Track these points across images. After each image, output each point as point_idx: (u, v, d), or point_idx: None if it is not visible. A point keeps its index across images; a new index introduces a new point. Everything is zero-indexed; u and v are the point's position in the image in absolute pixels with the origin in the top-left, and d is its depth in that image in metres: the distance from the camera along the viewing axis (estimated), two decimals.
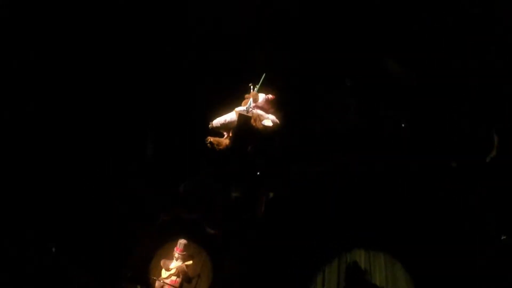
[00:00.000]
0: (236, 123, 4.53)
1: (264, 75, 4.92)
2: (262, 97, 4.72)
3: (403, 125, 5.59)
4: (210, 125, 4.58)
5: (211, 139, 4.55)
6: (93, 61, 5.35)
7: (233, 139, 4.53)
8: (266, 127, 4.45)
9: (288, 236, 6.11)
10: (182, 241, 6.18)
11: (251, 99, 4.67)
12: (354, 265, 5.79)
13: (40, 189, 5.43)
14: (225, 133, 4.65)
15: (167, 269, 5.94)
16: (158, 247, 6.19)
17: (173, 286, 5.82)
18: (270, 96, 4.75)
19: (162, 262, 6.00)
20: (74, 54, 5.34)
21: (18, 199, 5.23)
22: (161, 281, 5.83)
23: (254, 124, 4.46)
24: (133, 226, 6.04)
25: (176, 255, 6.06)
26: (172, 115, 5.89)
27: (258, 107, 4.67)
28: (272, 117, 4.60)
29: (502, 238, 5.10)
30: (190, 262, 6.09)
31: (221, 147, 4.55)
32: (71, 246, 5.40)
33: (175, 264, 6.02)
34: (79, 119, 5.65)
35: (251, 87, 4.87)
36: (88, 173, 5.83)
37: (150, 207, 6.22)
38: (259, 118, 4.49)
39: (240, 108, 4.61)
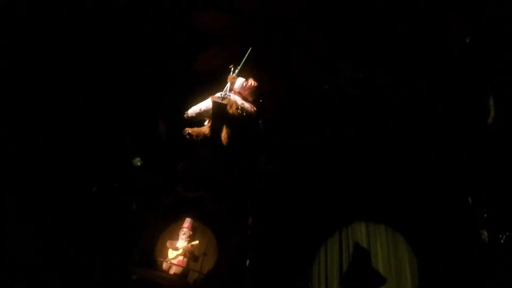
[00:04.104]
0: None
1: (248, 52, 4.65)
2: (239, 82, 4.44)
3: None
4: (185, 115, 4.39)
5: (189, 130, 4.38)
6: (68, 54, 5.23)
7: (211, 128, 4.36)
8: (240, 115, 4.16)
9: (290, 212, 6.10)
10: (188, 219, 6.39)
11: (228, 84, 4.42)
12: (355, 238, 5.72)
13: (43, 183, 5.57)
14: (206, 119, 4.47)
15: (174, 249, 6.16)
16: (163, 229, 6.37)
17: (180, 266, 6.04)
18: (250, 82, 4.45)
19: (168, 243, 6.21)
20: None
21: (22, 194, 5.39)
22: (168, 262, 6.05)
23: (230, 111, 4.19)
24: (136, 210, 6.18)
25: (183, 231, 6.24)
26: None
27: (235, 92, 4.41)
28: (246, 105, 4.24)
29: None
30: (197, 242, 6.25)
31: (201, 136, 4.39)
32: (77, 235, 5.59)
33: (181, 244, 6.21)
34: (71, 111, 5.65)
35: (232, 69, 4.61)
36: (87, 162, 5.92)
37: (151, 190, 6.33)
38: (235, 104, 4.23)
39: (216, 95, 4.34)
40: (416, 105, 5.42)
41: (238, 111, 4.07)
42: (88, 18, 4.89)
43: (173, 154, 6.25)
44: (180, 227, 6.30)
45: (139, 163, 6.25)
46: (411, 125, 5.37)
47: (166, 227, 6.34)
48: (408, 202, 5.41)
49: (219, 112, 4.24)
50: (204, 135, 4.40)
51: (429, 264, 5.08)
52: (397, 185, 5.54)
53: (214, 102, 4.23)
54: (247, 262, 6.03)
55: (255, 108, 4.33)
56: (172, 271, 6.01)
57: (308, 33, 5.45)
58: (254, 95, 4.50)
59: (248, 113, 4.18)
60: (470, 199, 4.98)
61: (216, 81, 4.81)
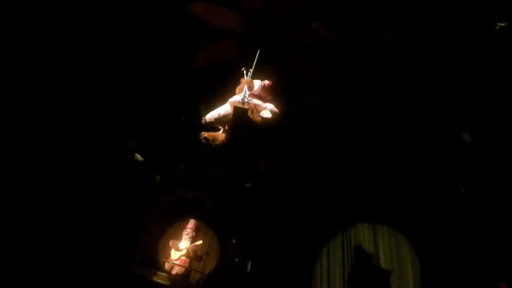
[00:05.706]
0: (231, 115, 4.21)
1: (257, 54, 4.54)
2: (257, 84, 4.30)
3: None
4: (203, 121, 4.25)
5: (206, 135, 4.25)
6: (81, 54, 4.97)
7: (229, 134, 4.26)
8: (265, 119, 4.11)
9: (293, 213, 6.13)
10: (192, 220, 6.33)
11: (245, 88, 4.30)
12: (358, 239, 5.84)
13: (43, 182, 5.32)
14: (220, 127, 4.38)
15: (177, 249, 6.08)
16: (165, 229, 6.27)
17: (182, 266, 5.97)
18: (266, 82, 4.36)
19: (171, 243, 6.13)
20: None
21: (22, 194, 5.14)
22: (171, 262, 5.97)
23: (251, 116, 4.09)
24: (138, 210, 6.01)
25: (186, 231, 6.17)
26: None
27: (254, 95, 4.30)
28: (270, 106, 4.18)
29: None
30: (201, 242, 6.19)
31: (217, 142, 4.26)
32: (79, 237, 5.41)
33: (184, 244, 6.13)
34: (73, 110, 5.39)
35: (244, 71, 4.48)
36: (89, 161, 5.69)
37: (153, 190, 6.18)
38: (257, 109, 4.12)
39: (235, 99, 4.19)
40: (420, 106, 5.47)
41: (264, 116, 4.00)
42: (90, 17, 4.63)
43: (175, 154, 6.10)
44: (183, 227, 6.22)
45: (140, 159, 6.08)
46: (414, 127, 5.42)
47: (168, 227, 6.24)
48: (411, 203, 5.54)
49: (240, 117, 4.13)
50: (221, 141, 4.30)
51: (431, 265, 5.26)
52: (400, 186, 5.65)
53: (235, 108, 4.11)
54: (249, 262, 6.04)
55: (277, 110, 4.26)
56: (174, 271, 5.94)
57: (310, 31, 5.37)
58: (272, 93, 4.45)
59: (275, 114, 4.12)
60: (471, 201, 5.12)
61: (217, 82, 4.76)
